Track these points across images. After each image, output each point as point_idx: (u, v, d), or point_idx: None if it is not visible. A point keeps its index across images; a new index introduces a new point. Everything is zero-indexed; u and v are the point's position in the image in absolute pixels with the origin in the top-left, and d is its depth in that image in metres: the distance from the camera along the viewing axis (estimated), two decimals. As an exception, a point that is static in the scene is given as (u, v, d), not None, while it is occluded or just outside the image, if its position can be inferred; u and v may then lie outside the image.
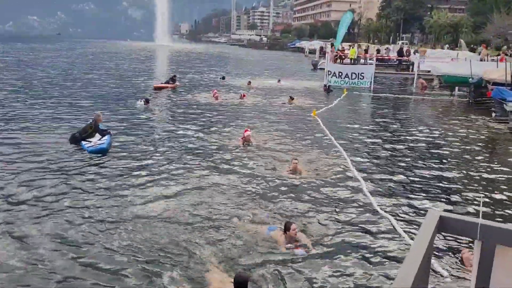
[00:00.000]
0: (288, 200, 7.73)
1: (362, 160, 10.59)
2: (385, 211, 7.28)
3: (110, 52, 63.91)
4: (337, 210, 7.36)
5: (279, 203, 7.55)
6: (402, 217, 7.21)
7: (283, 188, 8.27)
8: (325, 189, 8.31)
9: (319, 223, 6.81)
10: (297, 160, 9.01)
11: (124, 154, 10.30)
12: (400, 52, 34.18)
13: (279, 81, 27.44)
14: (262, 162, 9.84)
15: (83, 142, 10.59)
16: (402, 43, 65.90)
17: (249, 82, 24.51)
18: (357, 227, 6.70)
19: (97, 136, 10.86)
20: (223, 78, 29.10)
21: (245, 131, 11.30)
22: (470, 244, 6.03)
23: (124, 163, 9.59)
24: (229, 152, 10.62)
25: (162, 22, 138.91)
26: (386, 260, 5.76)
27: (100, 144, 10.48)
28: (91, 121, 11.16)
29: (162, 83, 23.63)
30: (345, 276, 5.36)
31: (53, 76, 26.67)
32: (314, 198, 7.88)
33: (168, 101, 18.86)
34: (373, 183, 8.78)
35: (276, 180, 8.65)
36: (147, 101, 17.26)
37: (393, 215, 7.13)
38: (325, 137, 12.71)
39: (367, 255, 5.86)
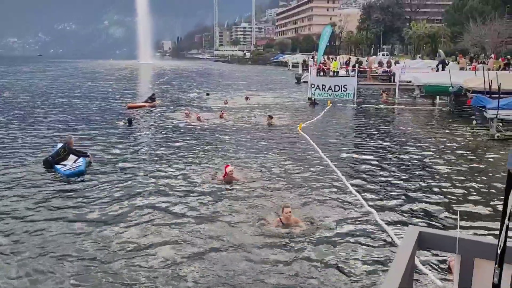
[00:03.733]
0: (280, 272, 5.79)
1: (352, 174, 10.65)
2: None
3: (91, 72, 63.56)
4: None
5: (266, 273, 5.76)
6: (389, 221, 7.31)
7: (273, 252, 6.28)
8: (324, 246, 6.48)
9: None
10: (289, 209, 7.02)
11: (103, 178, 10.02)
12: (380, 64, 34.74)
13: (247, 98, 26.02)
14: (245, 207, 8.07)
15: (58, 166, 10.36)
16: (383, 55, 67.05)
17: (226, 102, 23.91)
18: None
19: (72, 158, 10.64)
20: (208, 94, 29.16)
21: (226, 166, 9.71)
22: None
23: (102, 187, 9.32)
24: (208, 193, 8.92)
25: (144, 40, 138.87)
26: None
27: (77, 166, 10.30)
28: (63, 144, 11.00)
29: (142, 102, 23.24)
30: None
31: (28, 100, 25.98)
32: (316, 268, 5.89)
33: (150, 122, 18.27)
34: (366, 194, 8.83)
35: (264, 238, 6.71)
36: (129, 122, 17.08)
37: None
38: (316, 159, 12.24)
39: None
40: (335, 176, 10.10)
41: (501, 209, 1.53)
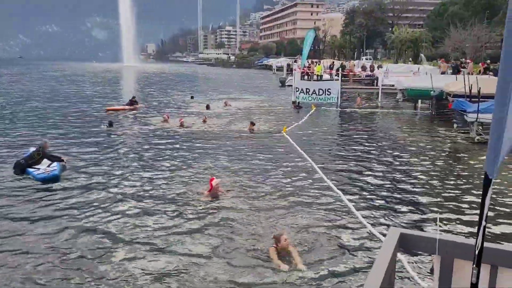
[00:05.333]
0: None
1: (336, 178, 10.72)
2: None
3: (72, 74, 62.72)
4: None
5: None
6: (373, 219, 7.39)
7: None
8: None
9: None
10: (286, 237, 6.36)
11: (81, 182, 9.77)
12: (363, 68, 35.14)
13: (225, 103, 25.21)
14: (236, 231, 7.26)
15: (30, 169, 10.06)
16: (366, 59, 67.81)
17: (208, 106, 23.24)
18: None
19: (45, 162, 10.34)
20: (192, 97, 29.06)
21: (211, 179, 9.02)
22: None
23: (79, 192, 9.09)
24: (191, 211, 8.15)
25: (128, 43, 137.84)
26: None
27: (52, 170, 9.98)
28: (37, 147, 10.74)
29: (123, 105, 22.90)
30: None
31: (4, 102, 25.25)
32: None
33: (130, 126, 17.80)
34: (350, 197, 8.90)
35: (259, 273, 5.85)
36: (110, 124, 16.86)
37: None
38: (301, 163, 12.35)
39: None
40: (323, 183, 10.05)
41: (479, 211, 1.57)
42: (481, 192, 1.57)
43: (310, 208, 8.32)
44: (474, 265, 1.55)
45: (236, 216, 7.86)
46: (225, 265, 6.01)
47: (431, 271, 5.71)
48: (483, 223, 1.50)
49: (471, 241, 1.93)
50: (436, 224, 7.43)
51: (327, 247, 6.60)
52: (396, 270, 1.90)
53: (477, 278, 1.56)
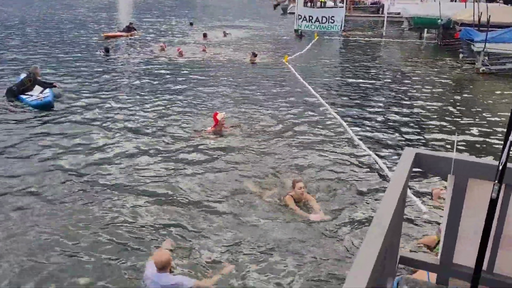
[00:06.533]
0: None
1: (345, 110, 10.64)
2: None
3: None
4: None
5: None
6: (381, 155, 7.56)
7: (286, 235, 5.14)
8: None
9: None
10: (302, 183, 5.83)
11: (75, 108, 9.69)
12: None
13: (224, 34, 23.59)
14: (244, 172, 6.76)
15: (23, 96, 9.96)
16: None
17: (205, 35, 22.03)
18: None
19: (38, 89, 10.21)
20: (191, 24, 28.14)
21: (215, 114, 8.45)
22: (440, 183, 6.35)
23: (74, 118, 9.07)
24: (194, 149, 7.66)
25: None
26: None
27: (45, 97, 9.88)
28: (28, 73, 10.54)
29: (119, 31, 22.22)
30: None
31: None
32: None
33: (129, 54, 17.35)
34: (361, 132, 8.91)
35: (273, 217, 5.51)
36: (106, 51, 16.50)
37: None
38: (304, 94, 12.09)
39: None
40: (329, 115, 9.78)
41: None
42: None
43: (320, 147, 7.94)
44: (496, 181, 1.55)
45: (244, 158, 7.28)
46: (233, 214, 5.59)
47: (432, 196, 5.89)
48: (510, 138, 1.46)
49: (487, 160, 1.93)
50: (453, 146, 7.32)
51: (341, 192, 6.22)
52: None
53: (498, 194, 1.56)
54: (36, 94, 10.06)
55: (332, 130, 8.81)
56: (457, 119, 9.76)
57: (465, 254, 2.07)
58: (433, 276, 2.30)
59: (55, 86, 10.59)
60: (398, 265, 2.25)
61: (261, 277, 4.40)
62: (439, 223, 5.04)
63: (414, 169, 2.05)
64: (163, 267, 4.05)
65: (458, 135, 8.34)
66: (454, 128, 9.09)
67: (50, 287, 4.18)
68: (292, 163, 7.14)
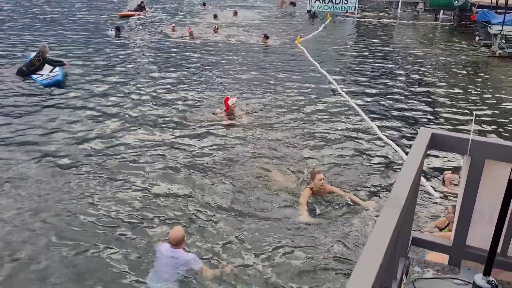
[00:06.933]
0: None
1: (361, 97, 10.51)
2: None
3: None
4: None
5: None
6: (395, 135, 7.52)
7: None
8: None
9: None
10: (321, 175, 5.55)
11: (86, 86, 9.76)
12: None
13: (235, 13, 23.08)
14: (257, 162, 6.54)
15: (34, 76, 10.09)
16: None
17: (215, 15, 21.80)
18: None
19: (47, 68, 10.33)
20: (204, 4, 27.82)
21: (226, 99, 8.30)
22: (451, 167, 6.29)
23: (86, 96, 9.13)
24: (205, 135, 7.48)
25: None
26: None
27: (54, 76, 10.02)
28: (36, 53, 10.56)
29: (129, 11, 22.24)
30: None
31: (5, 8, 23.69)
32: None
33: (140, 33, 17.27)
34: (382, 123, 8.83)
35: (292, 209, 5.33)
36: (118, 30, 16.47)
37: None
38: (317, 76, 12.05)
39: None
40: (342, 98, 9.66)
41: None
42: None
43: (332, 131, 7.77)
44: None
45: (255, 145, 7.11)
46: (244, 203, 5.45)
47: (443, 181, 5.84)
48: None
49: (505, 141, 1.89)
50: (469, 127, 7.17)
51: (356, 178, 6.12)
52: None
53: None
54: (46, 73, 10.19)
55: (345, 114, 8.68)
56: (473, 102, 9.64)
57: (479, 236, 2.06)
58: (444, 258, 2.29)
59: (64, 64, 10.70)
60: (410, 246, 2.24)
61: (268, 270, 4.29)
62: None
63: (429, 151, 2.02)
64: (177, 243, 4.15)
65: (474, 117, 8.18)
66: (469, 110, 8.98)
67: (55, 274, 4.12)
68: (306, 152, 6.94)
